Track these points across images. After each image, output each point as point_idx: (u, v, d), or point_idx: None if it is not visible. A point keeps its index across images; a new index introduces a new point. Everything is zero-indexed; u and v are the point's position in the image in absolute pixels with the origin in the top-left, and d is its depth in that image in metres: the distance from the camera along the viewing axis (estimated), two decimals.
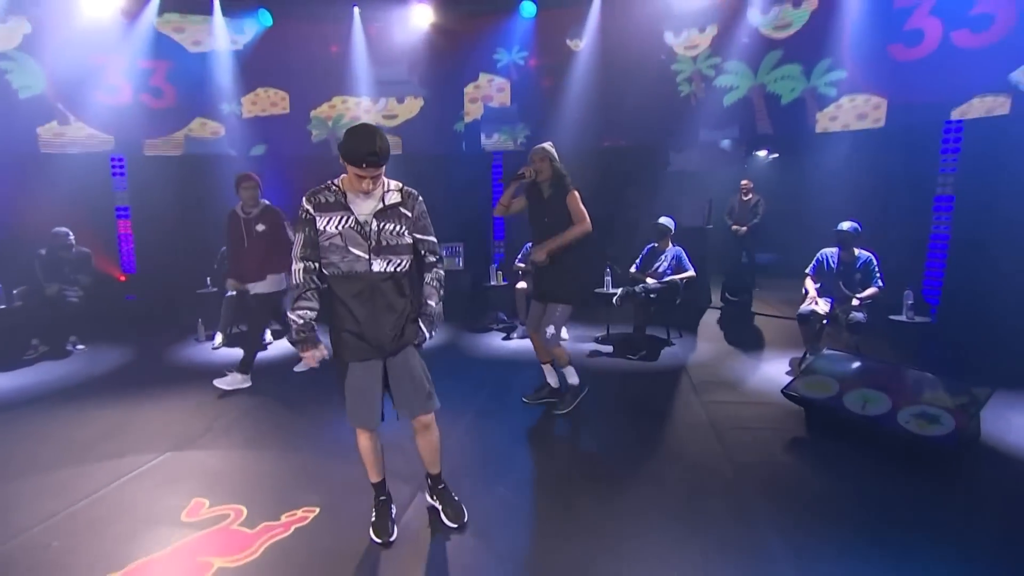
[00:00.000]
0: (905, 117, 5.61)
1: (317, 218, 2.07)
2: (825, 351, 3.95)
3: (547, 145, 3.48)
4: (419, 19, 7.30)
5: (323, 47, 7.49)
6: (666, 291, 5.29)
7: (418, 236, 2.21)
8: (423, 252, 2.24)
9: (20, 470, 2.99)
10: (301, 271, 2.10)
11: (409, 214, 2.17)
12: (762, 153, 10.56)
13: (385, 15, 7.37)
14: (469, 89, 7.69)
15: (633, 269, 5.59)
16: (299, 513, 2.53)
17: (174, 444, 3.30)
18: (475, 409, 3.81)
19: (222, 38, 7.10)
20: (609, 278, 5.82)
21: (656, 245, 5.56)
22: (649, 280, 5.40)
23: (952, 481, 2.82)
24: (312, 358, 2.13)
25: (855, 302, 4.37)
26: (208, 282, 6.31)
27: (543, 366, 3.87)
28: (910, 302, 4.79)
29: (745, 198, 7.33)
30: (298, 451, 3.24)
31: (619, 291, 5.31)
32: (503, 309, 6.36)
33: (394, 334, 2.15)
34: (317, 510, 2.56)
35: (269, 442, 3.38)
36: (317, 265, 2.12)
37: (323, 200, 2.09)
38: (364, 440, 2.28)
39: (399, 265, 2.14)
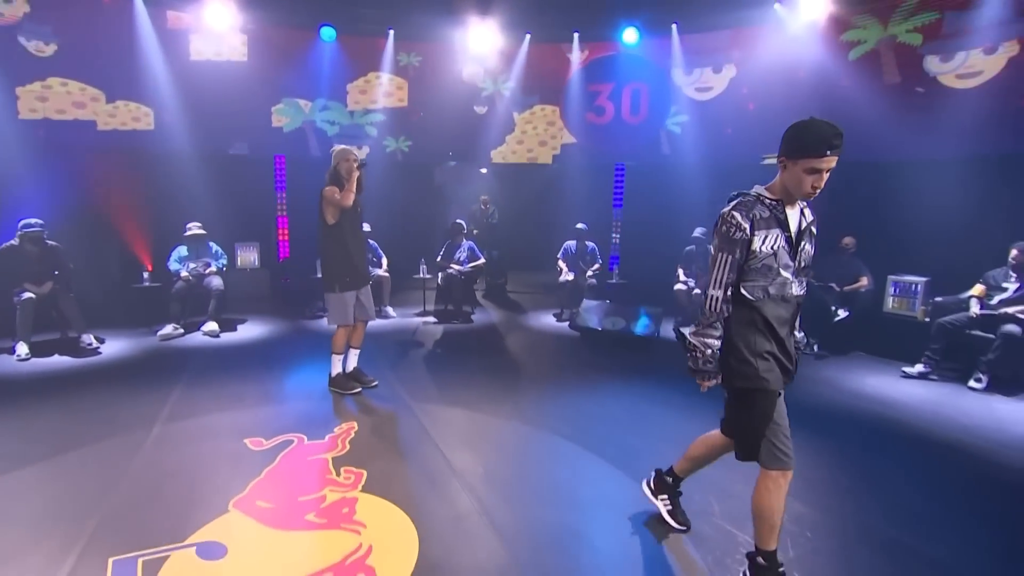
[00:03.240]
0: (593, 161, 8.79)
1: (755, 237, 1.88)
2: (585, 302, 6.45)
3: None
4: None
5: None
6: (469, 273, 7.12)
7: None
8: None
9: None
10: (720, 300, 1.91)
11: (815, 232, 2.02)
12: (483, 170, 13.37)
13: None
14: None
15: (439, 259, 7.21)
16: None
17: None
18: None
19: None
20: (424, 266, 7.28)
21: (452, 240, 7.31)
22: (454, 267, 7.12)
23: (652, 359, 5.53)
24: (707, 387, 2.04)
25: (589, 272, 7.09)
26: None
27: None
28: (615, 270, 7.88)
29: (484, 208, 9.68)
30: None
31: (440, 275, 6.87)
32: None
33: (794, 360, 2.06)
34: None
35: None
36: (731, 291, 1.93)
37: (759, 215, 1.89)
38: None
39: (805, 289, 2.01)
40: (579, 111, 8.33)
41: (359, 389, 4.11)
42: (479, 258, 7.34)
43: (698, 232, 6.85)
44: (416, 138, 8.45)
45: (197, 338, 5.60)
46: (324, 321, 6.56)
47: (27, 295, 4.83)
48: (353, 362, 4.24)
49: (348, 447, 3.28)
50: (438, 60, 8.09)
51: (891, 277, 5.84)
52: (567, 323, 6.52)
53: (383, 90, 8.11)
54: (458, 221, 7.27)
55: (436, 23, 7.48)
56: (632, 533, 2.51)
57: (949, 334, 5.01)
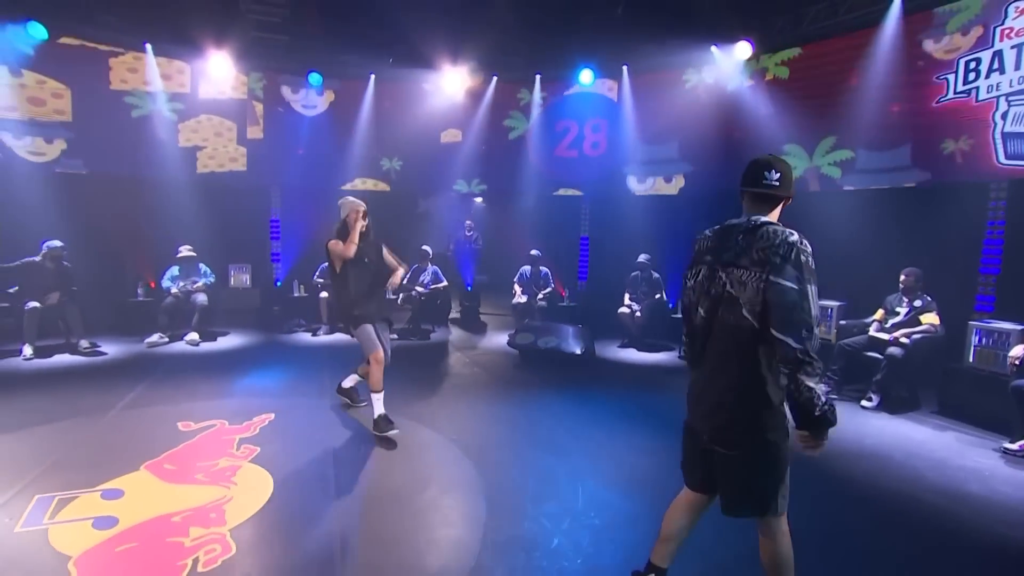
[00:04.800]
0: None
1: None
2: (527, 322, 7.03)
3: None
4: None
5: None
6: (432, 295, 7.82)
7: None
8: None
9: None
10: (818, 338, 1.75)
11: None
12: (479, 200, 14.18)
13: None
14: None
15: (404, 281, 7.93)
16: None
17: None
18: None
19: None
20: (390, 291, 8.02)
21: (418, 264, 8.04)
22: (418, 288, 7.83)
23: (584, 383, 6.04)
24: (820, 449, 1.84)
25: (540, 295, 7.68)
26: None
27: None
28: (568, 292, 8.44)
29: (468, 233, 10.42)
30: None
31: (400, 296, 7.59)
32: (303, 316, 7.89)
33: None
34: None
35: None
36: None
37: None
38: None
39: None
40: (547, 145, 9.00)
41: (396, 430, 3.86)
42: (441, 282, 8.03)
43: (642, 258, 7.37)
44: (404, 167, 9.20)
45: (179, 346, 6.46)
46: (300, 335, 7.37)
47: (33, 304, 5.76)
48: (350, 382, 4.53)
49: (257, 431, 3.96)
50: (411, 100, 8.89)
51: None
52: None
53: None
54: (424, 247, 8.00)
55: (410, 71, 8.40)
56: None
57: (848, 356, 5.35)
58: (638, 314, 7.15)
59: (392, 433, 3.82)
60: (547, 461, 3.65)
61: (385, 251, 4.22)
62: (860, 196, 6.29)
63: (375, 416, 3.90)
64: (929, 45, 5.62)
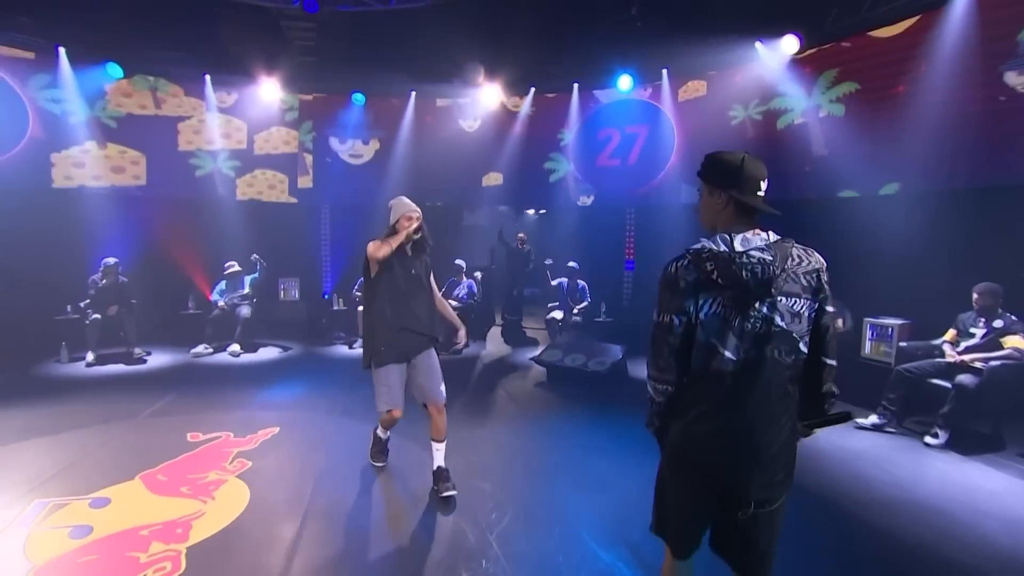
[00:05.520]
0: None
1: None
2: (559, 339, 6.79)
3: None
4: None
5: None
6: (464, 309, 7.77)
7: None
8: None
9: None
10: None
11: None
12: (531, 211, 14.04)
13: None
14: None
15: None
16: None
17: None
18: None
19: None
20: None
21: (454, 279, 8.03)
22: (451, 302, 7.81)
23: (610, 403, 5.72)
24: None
25: (575, 310, 7.41)
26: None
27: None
28: (603, 310, 8.10)
29: (521, 246, 10.24)
30: None
31: None
32: (342, 328, 8.11)
33: None
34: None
35: None
36: None
37: None
38: None
39: None
40: (588, 154, 8.76)
41: (382, 463, 3.66)
42: (476, 296, 7.97)
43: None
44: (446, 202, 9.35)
45: (222, 357, 6.83)
46: (338, 347, 7.57)
47: (95, 316, 6.34)
48: (436, 460, 3.35)
49: (257, 445, 4.04)
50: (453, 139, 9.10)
51: (868, 319, 5.50)
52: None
53: None
54: (457, 261, 7.99)
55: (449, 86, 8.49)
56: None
57: (909, 383, 4.67)
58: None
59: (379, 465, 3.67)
60: (535, 492, 3.42)
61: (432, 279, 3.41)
62: (929, 195, 5.50)
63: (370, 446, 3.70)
64: None
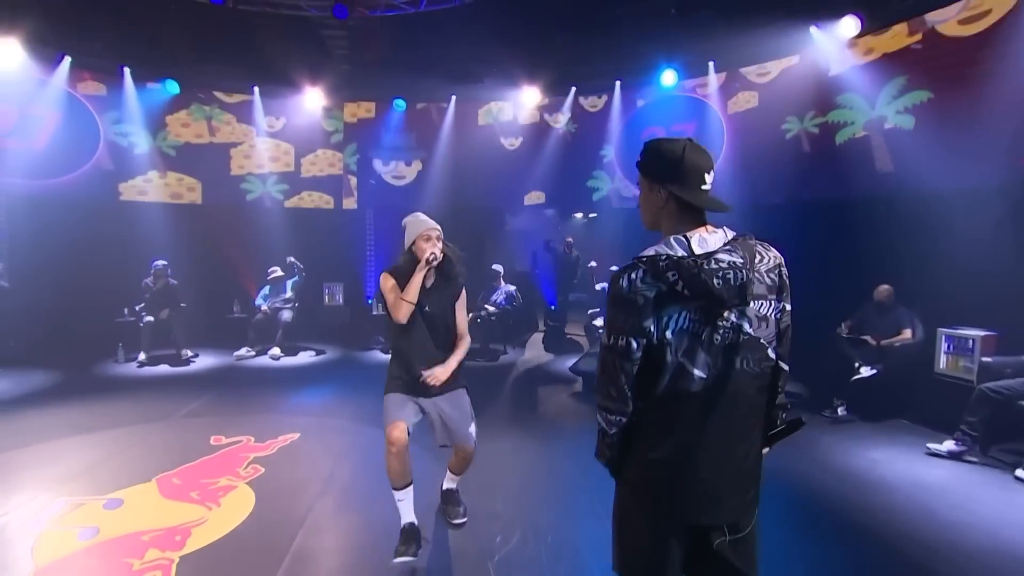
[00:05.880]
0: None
1: None
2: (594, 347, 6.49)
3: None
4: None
5: None
6: (503, 315, 7.60)
7: None
8: None
9: None
10: None
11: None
12: (579, 215, 13.68)
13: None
14: None
15: (478, 300, 7.84)
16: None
17: None
18: None
19: None
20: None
21: (494, 283, 7.88)
22: (488, 307, 7.67)
23: None
24: None
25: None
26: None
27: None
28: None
29: (568, 250, 9.95)
30: None
31: (468, 315, 7.48)
32: (381, 333, 8.15)
33: None
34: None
35: None
36: None
37: None
38: None
39: None
40: (632, 154, 8.41)
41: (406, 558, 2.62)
42: (515, 301, 7.78)
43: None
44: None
45: (262, 360, 6.99)
46: (375, 352, 7.60)
47: (148, 319, 6.66)
48: (448, 483, 3.12)
49: (275, 451, 4.02)
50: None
51: (942, 330, 4.86)
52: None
53: None
54: (494, 266, 7.84)
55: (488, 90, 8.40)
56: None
57: (995, 405, 4.05)
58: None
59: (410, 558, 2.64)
60: (548, 515, 3.18)
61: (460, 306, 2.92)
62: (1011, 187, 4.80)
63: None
64: None
